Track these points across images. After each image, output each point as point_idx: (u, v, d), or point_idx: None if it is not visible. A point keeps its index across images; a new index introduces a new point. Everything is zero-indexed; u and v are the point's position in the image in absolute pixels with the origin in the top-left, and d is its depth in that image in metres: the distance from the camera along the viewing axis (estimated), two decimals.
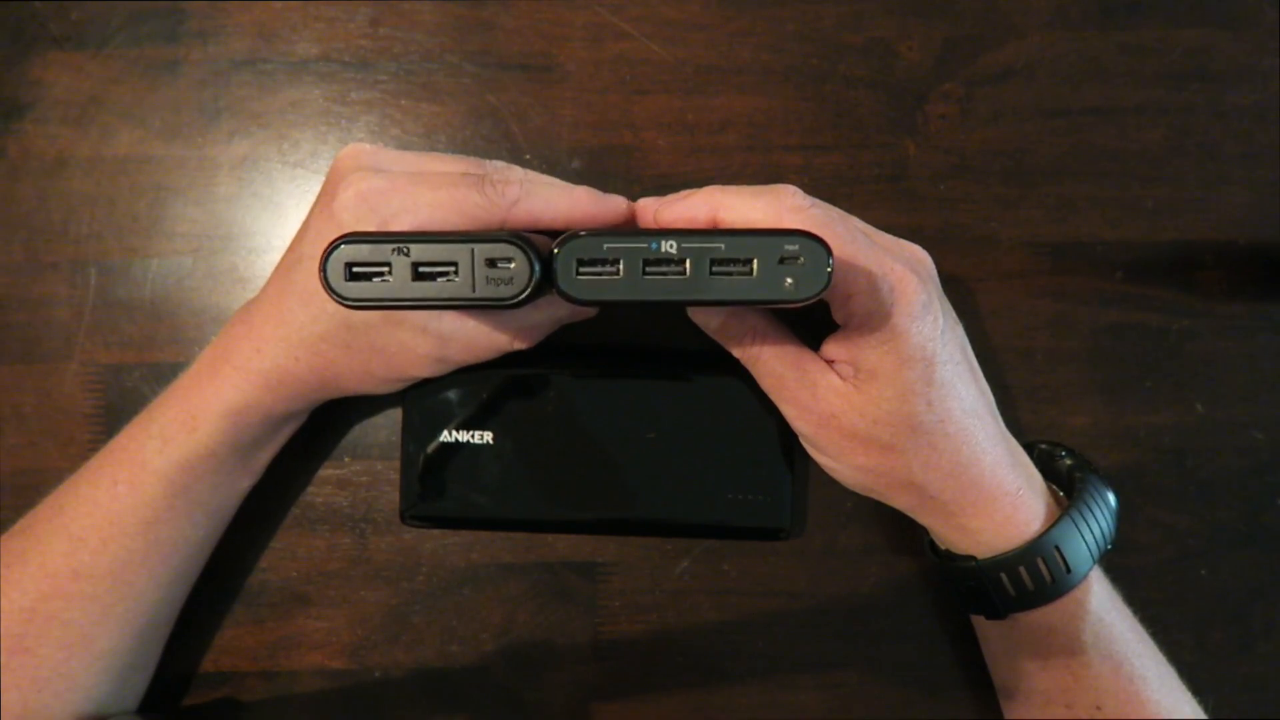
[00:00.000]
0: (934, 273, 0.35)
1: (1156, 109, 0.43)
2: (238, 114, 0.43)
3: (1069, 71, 0.43)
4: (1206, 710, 0.36)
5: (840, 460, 0.35)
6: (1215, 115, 0.43)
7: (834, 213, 0.32)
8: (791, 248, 0.27)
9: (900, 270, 0.32)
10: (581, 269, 0.28)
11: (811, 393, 0.34)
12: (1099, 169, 0.43)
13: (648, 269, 0.28)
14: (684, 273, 0.28)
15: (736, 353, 0.36)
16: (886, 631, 0.42)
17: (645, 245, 0.27)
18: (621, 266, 0.28)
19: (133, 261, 0.43)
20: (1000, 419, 0.36)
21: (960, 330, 0.35)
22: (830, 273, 0.27)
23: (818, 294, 0.28)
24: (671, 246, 0.27)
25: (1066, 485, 0.38)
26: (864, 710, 0.42)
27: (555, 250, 0.28)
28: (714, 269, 0.28)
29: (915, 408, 0.33)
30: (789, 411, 0.35)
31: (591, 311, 0.38)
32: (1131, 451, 0.43)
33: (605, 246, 0.28)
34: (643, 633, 0.42)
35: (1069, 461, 0.38)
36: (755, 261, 0.27)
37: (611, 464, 0.39)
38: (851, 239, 0.31)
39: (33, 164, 0.43)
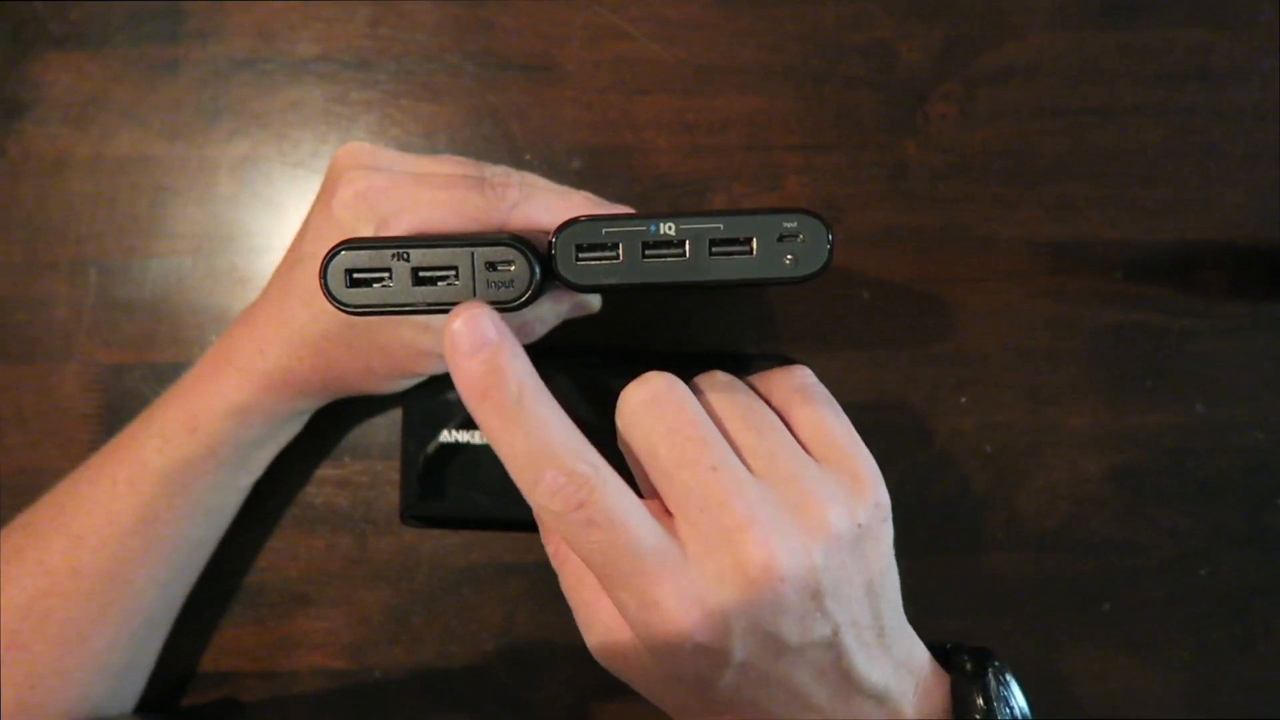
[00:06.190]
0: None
1: (1156, 109, 0.43)
2: (238, 114, 0.43)
3: (1069, 71, 0.43)
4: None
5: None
6: (1215, 115, 0.43)
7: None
8: (790, 225, 0.27)
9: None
10: (581, 255, 0.28)
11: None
12: (1099, 169, 0.43)
13: (647, 252, 0.28)
14: (684, 254, 0.28)
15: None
16: None
17: (644, 228, 0.28)
18: (621, 250, 0.28)
19: (133, 261, 0.43)
20: (854, 677, 0.29)
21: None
22: (830, 249, 0.27)
23: (817, 271, 0.28)
24: (670, 228, 0.28)
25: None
26: None
27: (554, 238, 0.28)
28: (714, 250, 0.28)
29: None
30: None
31: (594, 307, 0.38)
32: (1131, 451, 0.43)
33: (604, 231, 0.28)
34: None
35: (978, 707, 0.30)
36: (755, 240, 0.28)
37: (611, 464, 0.39)
38: None
39: (33, 164, 0.43)
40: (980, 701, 0.30)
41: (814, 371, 0.33)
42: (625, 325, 0.42)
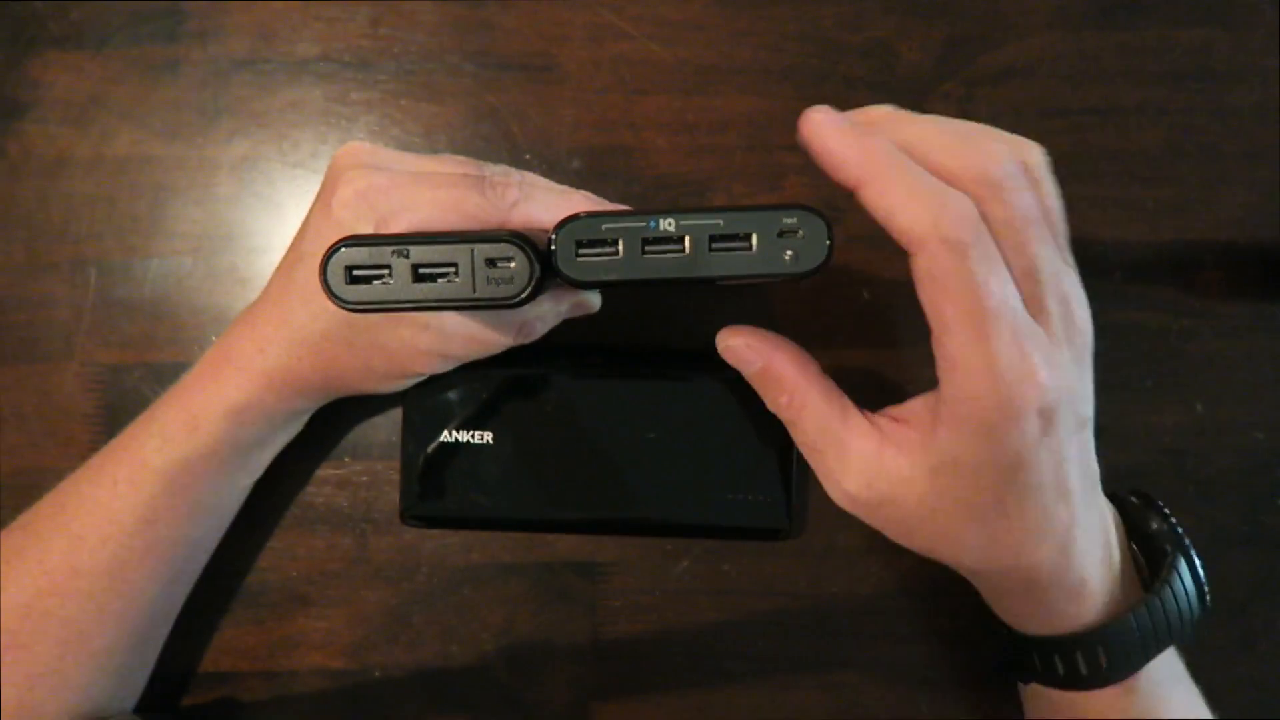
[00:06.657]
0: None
1: (1156, 109, 0.43)
2: (238, 114, 0.43)
3: (1069, 71, 0.43)
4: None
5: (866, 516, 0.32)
6: (1215, 115, 0.43)
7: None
8: (790, 220, 0.27)
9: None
10: (580, 250, 0.28)
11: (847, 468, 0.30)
12: (1099, 169, 0.43)
13: (646, 248, 0.28)
14: (683, 250, 0.28)
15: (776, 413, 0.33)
16: (886, 631, 0.42)
17: (643, 224, 0.28)
18: (620, 246, 0.28)
19: (133, 261, 0.43)
20: (1095, 476, 0.31)
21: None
22: (830, 245, 0.28)
23: (817, 267, 0.28)
24: (670, 224, 0.28)
25: (1150, 558, 0.33)
26: (864, 710, 0.42)
27: (554, 234, 0.28)
28: (713, 245, 0.28)
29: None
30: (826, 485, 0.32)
31: (594, 306, 0.38)
32: (1131, 451, 0.43)
33: (604, 227, 0.28)
34: (643, 633, 0.42)
35: (1159, 527, 0.34)
36: (754, 236, 0.28)
37: (611, 464, 0.39)
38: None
39: (33, 164, 0.43)
40: (1154, 525, 0.34)
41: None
42: (625, 325, 0.42)
